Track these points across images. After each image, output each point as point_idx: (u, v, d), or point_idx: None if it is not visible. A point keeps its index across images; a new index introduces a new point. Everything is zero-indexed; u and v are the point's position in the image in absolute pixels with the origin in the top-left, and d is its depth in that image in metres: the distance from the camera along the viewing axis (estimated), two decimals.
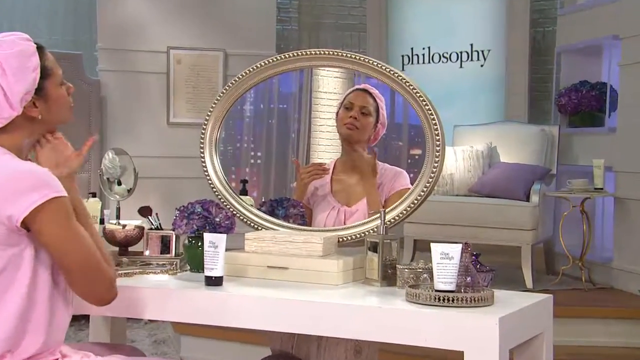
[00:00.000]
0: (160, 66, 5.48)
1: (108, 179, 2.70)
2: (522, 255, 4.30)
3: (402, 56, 6.15)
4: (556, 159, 4.75)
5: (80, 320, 4.32)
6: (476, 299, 1.83)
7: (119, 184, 2.69)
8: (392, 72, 2.31)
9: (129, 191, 2.68)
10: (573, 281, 4.47)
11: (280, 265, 2.17)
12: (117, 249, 2.46)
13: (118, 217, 2.58)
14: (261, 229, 2.45)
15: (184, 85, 5.49)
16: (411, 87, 2.28)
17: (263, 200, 2.59)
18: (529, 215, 4.31)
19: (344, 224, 2.50)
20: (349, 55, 2.38)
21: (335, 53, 2.40)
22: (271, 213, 2.50)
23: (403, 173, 2.55)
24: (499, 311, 1.80)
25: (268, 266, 2.18)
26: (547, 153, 4.72)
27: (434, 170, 2.27)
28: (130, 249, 2.48)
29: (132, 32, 5.44)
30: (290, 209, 2.49)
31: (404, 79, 2.30)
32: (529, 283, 4.25)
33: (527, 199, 4.40)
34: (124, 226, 2.48)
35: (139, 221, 2.53)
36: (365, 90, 2.58)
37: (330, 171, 2.63)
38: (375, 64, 2.34)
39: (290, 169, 2.98)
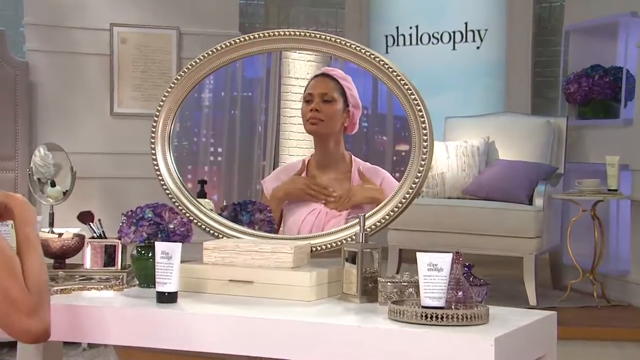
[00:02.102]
0: (102, 46, 5.47)
1: (39, 179, 2.70)
2: (524, 268, 4.35)
3: (386, 36, 6.21)
4: (564, 155, 4.82)
5: (2, 349, 4.31)
6: (469, 316, 1.87)
7: (53, 185, 2.70)
8: (372, 57, 2.36)
9: (65, 194, 2.69)
10: (583, 297, 4.52)
11: (245, 279, 2.21)
12: (51, 261, 2.48)
13: (52, 225, 2.59)
14: (222, 237, 2.49)
15: (130, 69, 5.49)
16: (394, 74, 2.33)
17: (224, 203, 2.62)
18: (532, 220, 4.37)
19: (322, 228, 2.54)
20: (323, 36, 2.42)
21: (308, 34, 2.44)
22: (234, 218, 2.54)
23: (386, 177, 2.59)
24: (494, 330, 1.85)
25: (230, 280, 2.22)
26: (554, 149, 4.79)
27: (421, 168, 2.32)
28: (67, 261, 2.50)
29: (67, 4, 5.42)
30: (256, 214, 2.52)
31: (386, 64, 2.35)
32: (532, 299, 4.30)
33: (530, 202, 4.46)
34: (60, 235, 2.49)
35: (78, 229, 2.55)
36: (325, 75, 2.63)
37: (305, 173, 2.67)
38: (353, 46, 2.38)
39: (257, 167, 3.01)
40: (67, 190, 2.68)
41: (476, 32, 6.11)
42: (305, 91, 2.65)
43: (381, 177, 2.60)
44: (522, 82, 6.07)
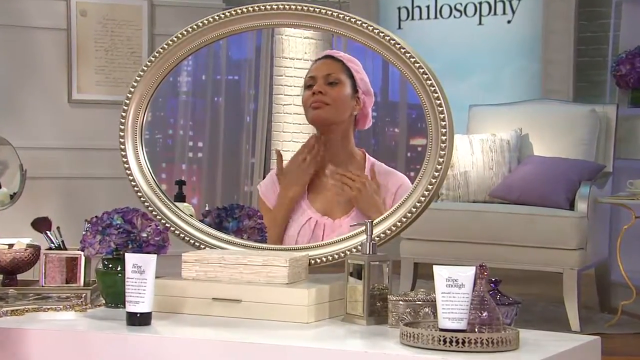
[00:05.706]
0: (57, 19, 5.49)
1: None
2: (564, 285, 4.36)
3: (399, 9, 6.22)
4: (612, 151, 4.83)
5: None
6: (495, 341, 1.91)
7: None
8: (382, 35, 2.40)
9: (13, 197, 2.71)
10: (637, 322, 4.55)
11: (231, 297, 2.25)
12: (0, 277, 2.52)
13: None
14: (204, 248, 2.53)
15: (92, 47, 5.50)
16: (407, 55, 2.37)
17: (207, 208, 2.65)
18: (574, 229, 4.39)
19: (322, 240, 2.57)
20: (323, 11, 2.45)
21: (305, 8, 2.47)
22: (218, 226, 2.58)
23: (404, 184, 2.63)
24: (525, 357, 1.89)
25: (214, 298, 2.27)
26: (600, 143, 4.80)
27: (439, 166, 2.36)
28: (19, 276, 2.53)
29: None
30: (245, 221, 2.56)
31: (398, 44, 2.39)
32: (574, 323, 4.31)
33: (571, 207, 4.48)
34: (11, 246, 2.52)
35: (30, 239, 2.58)
36: (329, 57, 2.68)
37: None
38: (359, 22, 2.42)
39: (245, 164, 3.05)
40: (15, 193, 2.71)
41: (507, 3, 6.13)
42: (306, 76, 2.68)
43: (398, 183, 2.63)
44: (562, 63, 6.08)
